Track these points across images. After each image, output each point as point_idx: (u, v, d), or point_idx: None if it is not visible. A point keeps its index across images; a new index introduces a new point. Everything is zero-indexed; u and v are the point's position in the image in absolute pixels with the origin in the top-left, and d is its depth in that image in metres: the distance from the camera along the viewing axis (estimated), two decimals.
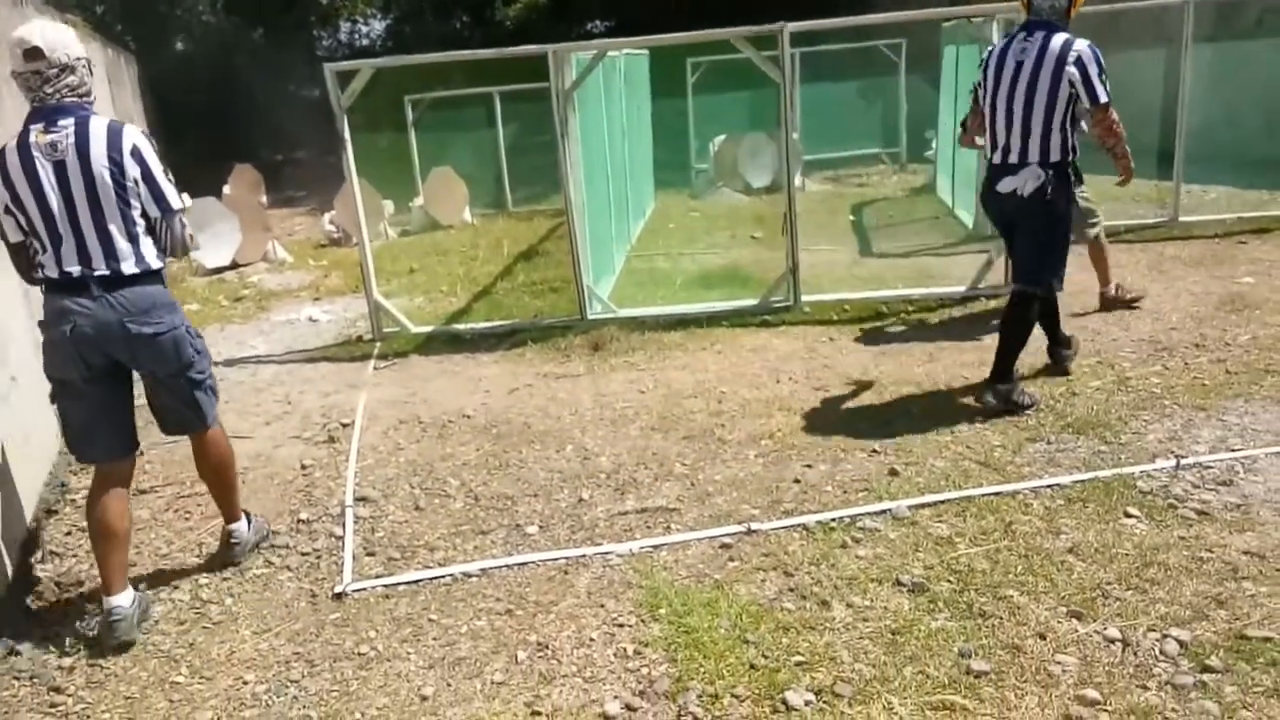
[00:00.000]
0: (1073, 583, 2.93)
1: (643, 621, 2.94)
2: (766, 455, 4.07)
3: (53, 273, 2.98)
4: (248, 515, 3.58)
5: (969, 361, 4.96)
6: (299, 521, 3.81)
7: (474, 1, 21.19)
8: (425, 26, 21.45)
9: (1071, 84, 4.05)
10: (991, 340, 4.47)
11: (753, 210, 10.30)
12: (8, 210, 2.97)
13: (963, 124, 4.76)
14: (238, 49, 20.36)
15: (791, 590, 3.04)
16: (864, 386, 4.78)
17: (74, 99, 2.97)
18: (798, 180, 10.71)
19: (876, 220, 9.35)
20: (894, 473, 3.78)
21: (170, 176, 3.10)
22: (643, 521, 3.59)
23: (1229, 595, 2.81)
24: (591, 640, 2.87)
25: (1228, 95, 9.69)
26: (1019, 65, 4.15)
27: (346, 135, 6.03)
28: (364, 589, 3.26)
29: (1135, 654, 2.59)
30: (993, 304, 5.95)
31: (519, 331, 6.19)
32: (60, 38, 2.94)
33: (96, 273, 2.96)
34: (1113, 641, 2.65)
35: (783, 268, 6.21)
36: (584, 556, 3.35)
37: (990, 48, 4.56)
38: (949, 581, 3.00)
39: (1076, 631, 2.70)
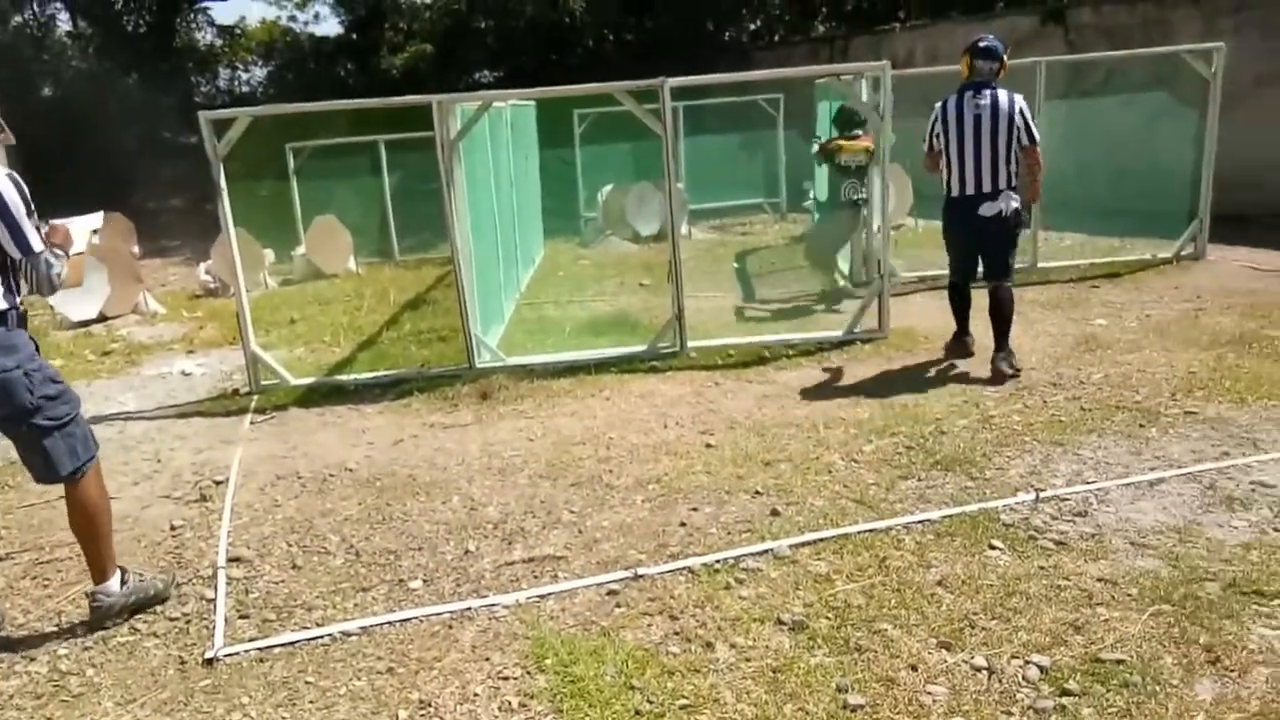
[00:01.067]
0: (942, 614, 3.05)
1: (528, 673, 2.92)
2: (654, 500, 4.12)
3: None
4: (123, 573, 3.40)
5: (846, 403, 5.14)
6: None
7: (359, 49, 21.05)
8: (308, 74, 21.18)
9: (1017, 128, 5.35)
10: (869, 383, 4.68)
11: (641, 258, 10.47)
12: None
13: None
14: (109, 95, 19.63)
15: (677, 634, 3.07)
16: (748, 429, 4.90)
17: None
18: (683, 229, 10.99)
19: (759, 268, 9.63)
20: (775, 513, 3.87)
21: (33, 218, 3.08)
22: (530, 571, 3.57)
23: (1085, 621, 2.98)
24: (476, 696, 2.83)
25: (1079, 149, 10.41)
26: (978, 118, 5.39)
27: (222, 184, 5.89)
28: (237, 653, 3.14)
29: (1000, 681, 2.72)
30: (868, 347, 6.20)
31: (405, 381, 6.10)
32: None
33: None
34: (979, 670, 2.77)
35: (669, 314, 6.33)
36: (469, 610, 3.31)
37: (940, 105, 5.57)
38: (827, 618, 3.08)
39: (946, 662, 2.81)
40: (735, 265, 9.88)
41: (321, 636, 3.19)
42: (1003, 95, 5.38)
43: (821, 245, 8.17)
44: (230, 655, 3.13)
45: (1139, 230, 9.07)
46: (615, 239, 11.57)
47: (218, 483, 4.64)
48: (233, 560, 3.78)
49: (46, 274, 3.14)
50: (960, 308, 5.95)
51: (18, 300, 3.12)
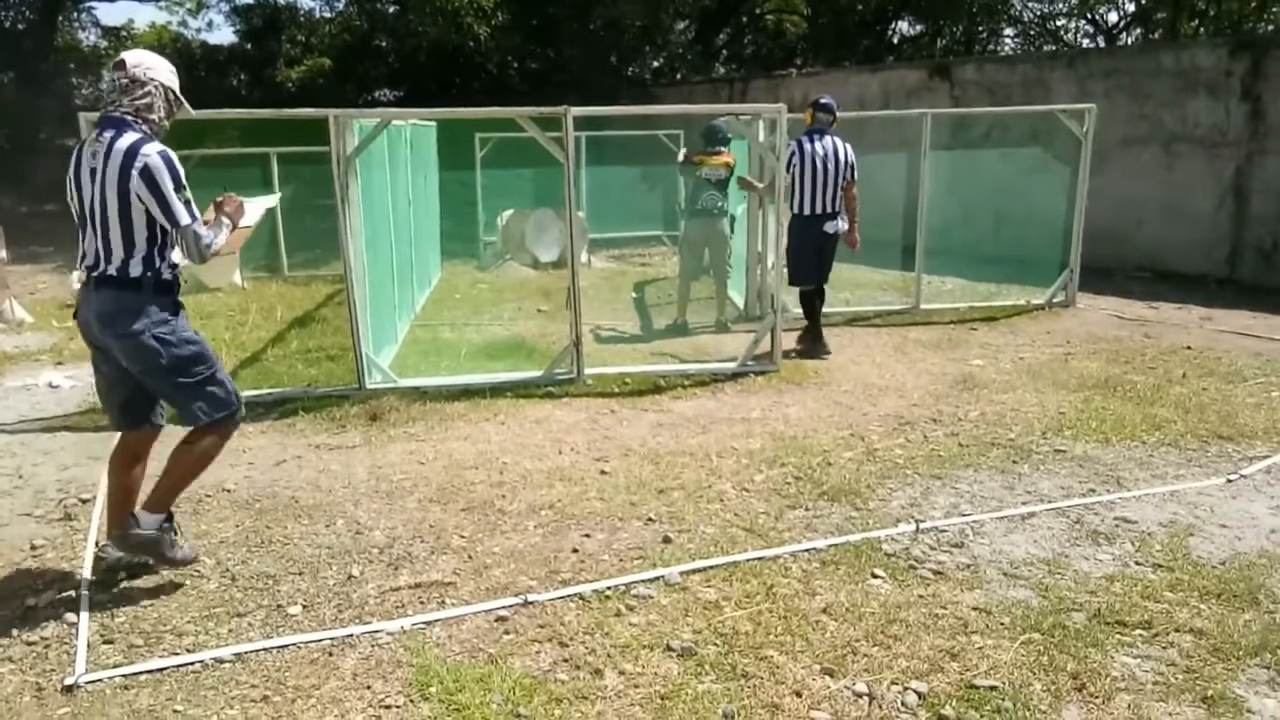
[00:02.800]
0: (826, 641, 3.12)
1: (411, 702, 2.84)
2: (546, 526, 4.09)
3: (86, 260, 3.40)
4: (170, 518, 3.58)
5: (738, 433, 5.22)
6: (26, 608, 3.41)
7: (254, 60, 20.48)
8: (198, 83, 20.39)
9: (849, 166, 6.98)
10: (761, 414, 4.79)
11: (540, 284, 10.45)
12: (71, 197, 3.41)
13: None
14: None
15: (566, 661, 3.04)
16: (642, 457, 4.92)
17: (128, 113, 3.37)
18: (583, 257, 11.02)
19: (657, 298, 9.73)
20: (667, 540, 3.89)
21: (183, 192, 3.36)
22: (416, 597, 3.49)
23: (960, 648, 3.08)
24: None
25: (961, 198, 10.95)
26: (825, 155, 6.88)
27: None
28: (99, 680, 2.95)
29: (880, 706, 2.79)
30: (760, 379, 6.33)
31: (290, 400, 5.91)
32: (143, 59, 3.47)
33: (95, 270, 3.35)
34: (860, 695, 2.83)
35: (567, 341, 6.32)
36: (351, 636, 3.21)
37: (795, 143, 6.80)
38: (715, 645, 3.11)
39: (829, 688, 2.87)
40: (634, 295, 9.96)
41: (192, 663, 3.04)
42: (838, 141, 6.97)
43: (683, 261, 8.45)
44: (92, 682, 2.94)
45: (1015, 277, 9.58)
46: (514, 264, 11.52)
47: (84, 501, 4.38)
48: (97, 582, 3.57)
49: (195, 245, 3.41)
50: (818, 309, 7.16)
51: (160, 267, 3.39)
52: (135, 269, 3.35)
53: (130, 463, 3.66)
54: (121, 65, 3.40)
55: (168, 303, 3.44)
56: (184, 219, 3.38)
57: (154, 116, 3.45)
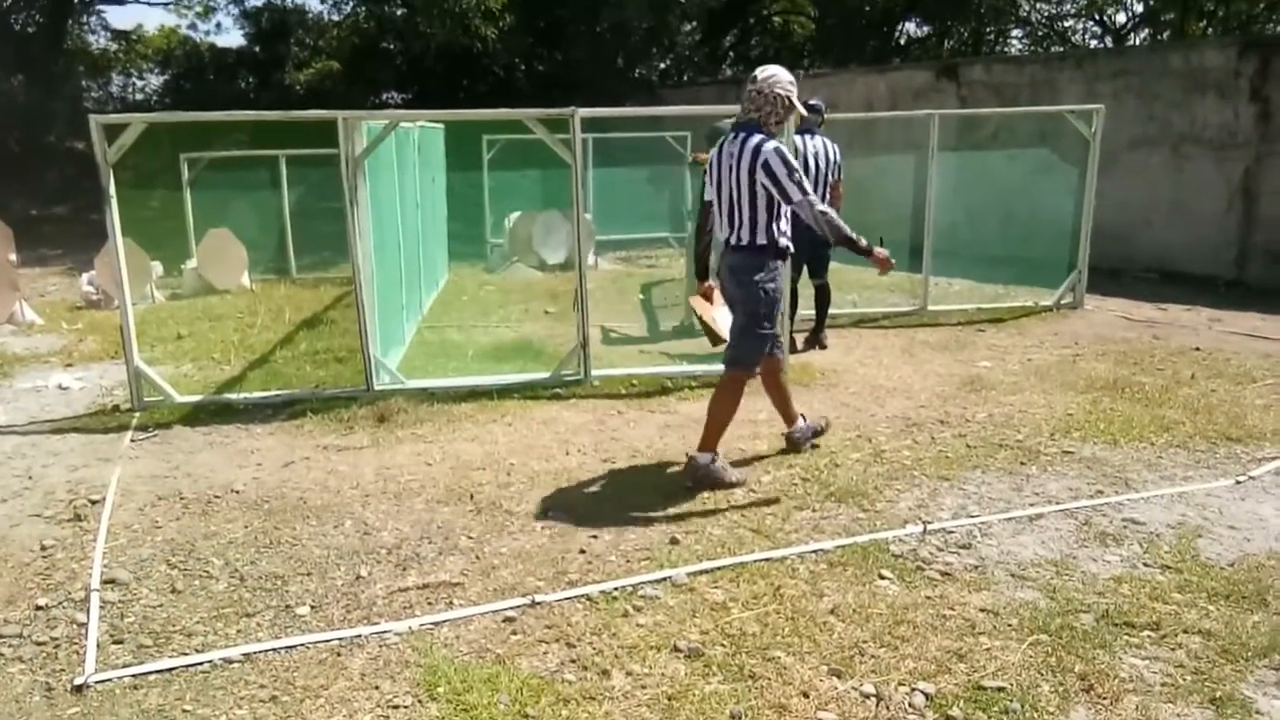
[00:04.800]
0: (833, 642, 3.12)
1: (419, 702, 2.85)
2: (553, 527, 4.09)
3: (720, 233, 4.56)
4: (803, 417, 4.96)
5: (745, 435, 5.22)
6: (35, 608, 3.42)
7: (262, 63, 20.54)
8: (207, 85, 20.51)
9: (837, 165, 7.22)
10: (768, 416, 4.87)
11: (547, 286, 10.47)
12: (709, 181, 4.59)
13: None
14: None
15: (573, 661, 3.04)
16: (650, 458, 4.92)
17: (755, 119, 4.37)
18: (590, 258, 11.04)
19: (664, 300, 9.73)
20: (675, 541, 3.90)
21: (795, 178, 4.23)
22: (424, 598, 3.50)
23: (968, 649, 3.08)
24: None
25: (969, 199, 10.93)
26: (815, 153, 7.08)
27: (111, 191, 5.64)
28: (109, 680, 2.96)
29: (887, 708, 2.79)
30: None
31: (298, 402, 5.93)
32: (771, 74, 4.38)
33: (729, 239, 4.47)
34: (868, 696, 2.83)
35: (574, 342, 6.33)
36: (359, 637, 3.22)
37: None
38: (723, 645, 3.11)
39: (836, 689, 2.87)
40: (641, 297, 9.97)
41: (201, 663, 3.05)
42: (826, 141, 7.21)
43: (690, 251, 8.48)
44: (102, 682, 2.95)
45: (1022, 279, 9.56)
46: (521, 266, 11.54)
47: (93, 502, 4.40)
48: (107, 583, 3.59)
49: (812, 215, 4.28)
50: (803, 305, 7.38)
51: (776, 238, 4.39)
52: (760, 237, 4.36)
53: (769, 378, 4.84)
54: (753, 80, 4.38)
55: (780, 264, 4.50)
56: (796, 196, 4.24)
57: (771, 122, 4.38)
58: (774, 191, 4.24)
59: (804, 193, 4.22)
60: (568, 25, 17.49)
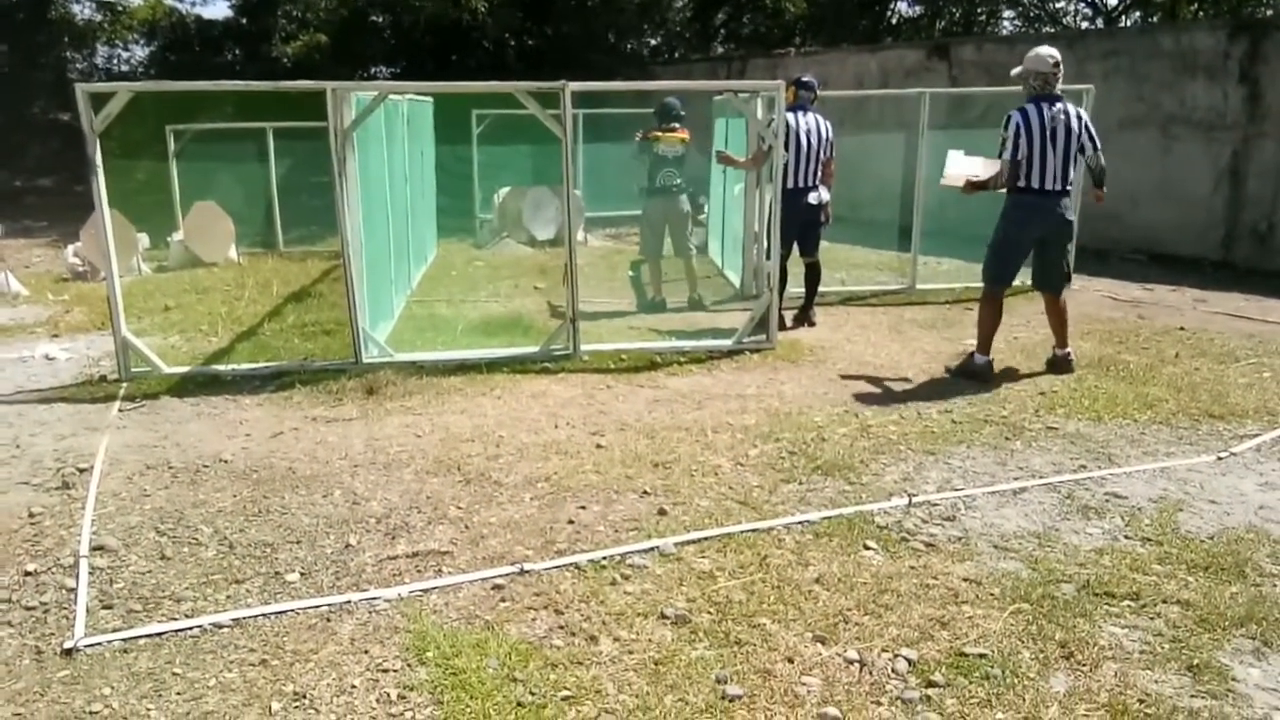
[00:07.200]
0: (818, 610, 3.16)
1: (409, 666, 2.88)
2: (542, 498, 4.12)
3: (1033, 183, 5.76)
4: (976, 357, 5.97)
5: (733, 409, 5.25)
6: (24, 574, 3.44)
7: (249, 35, 20.29)
8: (193, 57, 20.22)
9: (830, 143, 7.27)
10: (756, 391, 4.80)
11: (536, 261, 10.45)
12: (1020, 137, 5.75)
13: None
14: None
15: (561, 628, 3.08)
16: (638, 431, 4.95)
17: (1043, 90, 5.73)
18: (580, 234, 11.01)
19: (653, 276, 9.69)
20: (663, 512, 3.93)
21: (1092, 132, 5.77)
22: (413, 565, 3.52)
23: (950, 617, 3.13)
24: (353, 688, 2.77)
25: None
26: (808, 130, 7.08)
27: (98, 161, 5.60)
28: (98, 644, 2.98)
29: (871, 673, 2.83)
30: (756, 357, 6.36)
31: (286, 374, 5.92)
32: (1039, 52, 5.71)
33: (1055, 188, 5.74)
34: (852, 662, 2.87)
35: (563, 317, 6.33)
36: (348, 603, 3.24)
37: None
38: (709, 613, 3.14)
39: (820, 655, 2.91)
40: (630, 273, 9.96)
41: (190, 628, 3.07)
42: (819, 118, 7.22)
43: (644, 240, 8.45)
44: (91, 646, 2.97)
45: None
46: (510, 241, 11.51)
47: (81, 470, 4.40)
48: (96, 549, 3.60)
49: (1096, 163, 5.87)
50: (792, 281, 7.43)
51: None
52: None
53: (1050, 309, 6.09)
54: (1059, 62, 5.64)
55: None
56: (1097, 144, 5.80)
57: (1047, 90, 5.69)
58: (1090, 146, 5.76)
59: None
60: None
